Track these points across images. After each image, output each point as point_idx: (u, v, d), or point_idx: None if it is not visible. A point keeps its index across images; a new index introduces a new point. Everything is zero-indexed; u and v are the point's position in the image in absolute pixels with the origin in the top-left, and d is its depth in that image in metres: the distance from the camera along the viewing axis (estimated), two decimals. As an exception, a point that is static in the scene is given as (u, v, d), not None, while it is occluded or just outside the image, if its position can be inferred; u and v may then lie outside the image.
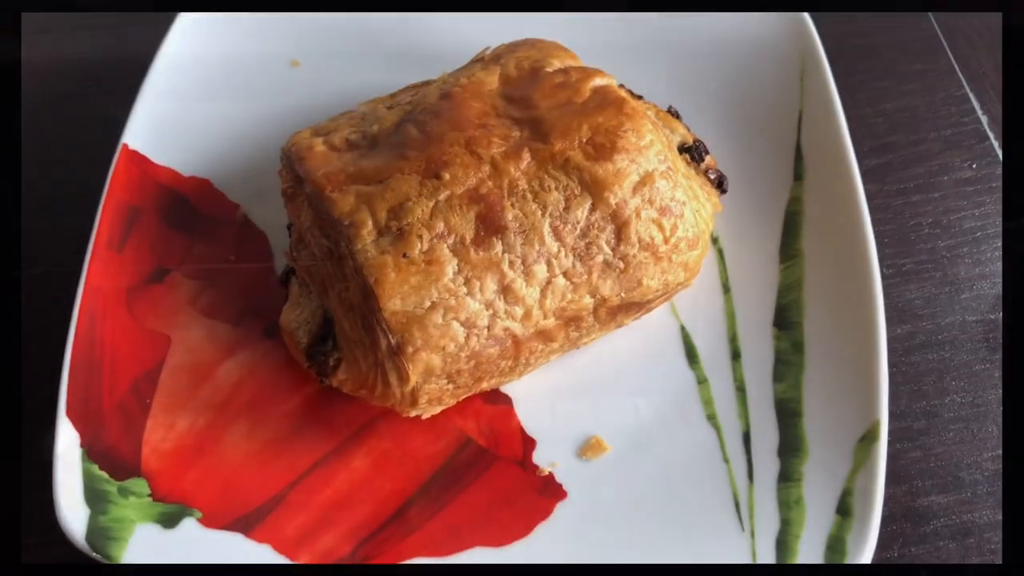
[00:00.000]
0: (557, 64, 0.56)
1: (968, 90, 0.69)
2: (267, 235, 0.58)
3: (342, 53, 0.65)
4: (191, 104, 0.61)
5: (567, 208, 0.50)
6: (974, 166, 0.66)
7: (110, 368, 0.52)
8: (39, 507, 0.48)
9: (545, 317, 0.50)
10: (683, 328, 0.56)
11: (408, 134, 0.51)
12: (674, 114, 0.60)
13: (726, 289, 0.57)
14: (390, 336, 0.47)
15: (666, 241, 0.51)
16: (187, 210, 0.58)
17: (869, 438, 0.49)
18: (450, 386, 0.49)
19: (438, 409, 0.51)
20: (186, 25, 0.63)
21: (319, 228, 0.51)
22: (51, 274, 0.60)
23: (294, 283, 0.53)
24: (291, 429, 0.52)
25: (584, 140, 0.51)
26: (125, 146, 0.57)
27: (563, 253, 0.49)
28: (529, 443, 0.52)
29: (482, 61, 0.56)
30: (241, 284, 0.56)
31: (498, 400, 0.54)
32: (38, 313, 0.58)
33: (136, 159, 0.57)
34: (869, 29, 0.72)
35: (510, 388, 0.54)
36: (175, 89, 0.60)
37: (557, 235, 0.49)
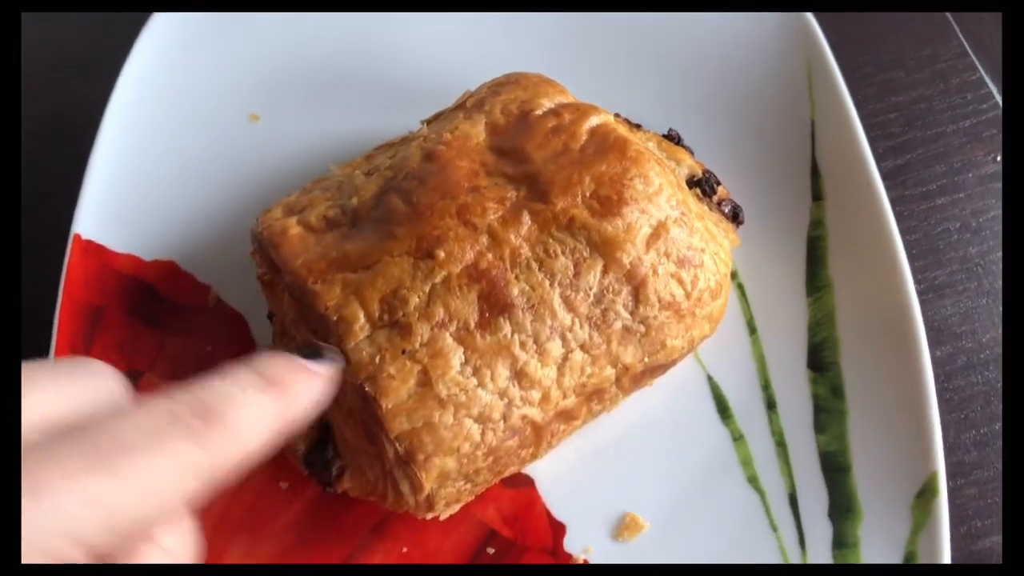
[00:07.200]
0: (547, 104, 0.50)
1: (983, 73, 0.64)
2: (245, 317, 0.53)
3: (304, 99, 0.59)
4: (144, 177, 0.55)
5: (577, 274, 0.45)
6: (998, 159, 0.61)
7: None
8: None
9: (565, 397, 0.45)
10: (711, 379, 0.51)
11: (393, 207, 0.45)
12: (676, 139, 0.55)
13: (752, 329, 0.53)
14: (396, 445, 0.42)
15: (688, 296, 0.46)
16: (154, 300, 0.52)
17: (928, 493, 0.45)
18: (468, 485, 0.44)
19: (457, 507, 0.46)
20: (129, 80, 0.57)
21: (304, 322, 0.45)
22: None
23: (283, 381, 0.47)
24: (296, 540, 0.47)
25: (588, 194, 0.46)
26: (77, 237, 0.51)
27: (578, 324, 0.45)
28: (559, 529, 0.48)
29: (464, 108, 0.51)
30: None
31: (518, 482, 0.49)
32: None
33: (92, 250, 0.52)
34: (869, 16, 0.66)
35: (530, 467, 0.49)
36: (124, 164, 0.54)
37: (569, 305, 0.44)
